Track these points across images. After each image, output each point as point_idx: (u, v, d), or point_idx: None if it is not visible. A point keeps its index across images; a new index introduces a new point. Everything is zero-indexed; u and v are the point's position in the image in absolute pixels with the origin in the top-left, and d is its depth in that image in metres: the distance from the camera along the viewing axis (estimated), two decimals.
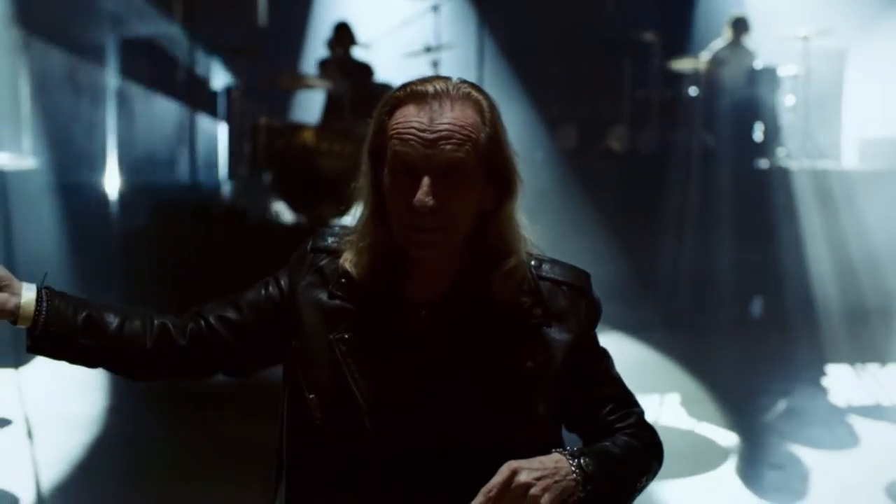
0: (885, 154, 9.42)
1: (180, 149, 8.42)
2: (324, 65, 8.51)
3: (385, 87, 8.22)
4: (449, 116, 1.64)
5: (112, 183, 8.88)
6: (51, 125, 8.92)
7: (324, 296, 1.80)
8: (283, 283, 1.87)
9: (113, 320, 1.81)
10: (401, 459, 1.69)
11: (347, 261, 1.78)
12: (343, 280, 1.79)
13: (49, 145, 8.83)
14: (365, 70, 8.58)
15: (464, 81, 1.70)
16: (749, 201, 8.59)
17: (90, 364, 1.82)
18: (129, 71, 9.45)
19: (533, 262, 1.79)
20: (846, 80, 10.41)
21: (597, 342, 1.84)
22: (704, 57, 9.51)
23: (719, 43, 9.63)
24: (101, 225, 8.35)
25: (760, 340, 7.28)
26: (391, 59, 8.73)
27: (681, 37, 10.02)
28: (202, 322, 1.86)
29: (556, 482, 1.61)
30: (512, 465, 1.59)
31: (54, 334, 1.74)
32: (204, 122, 8.60)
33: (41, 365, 6.87)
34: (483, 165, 1.67)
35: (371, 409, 1.70)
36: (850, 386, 7.09)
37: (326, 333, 1.77)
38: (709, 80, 9.42)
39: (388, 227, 1.72)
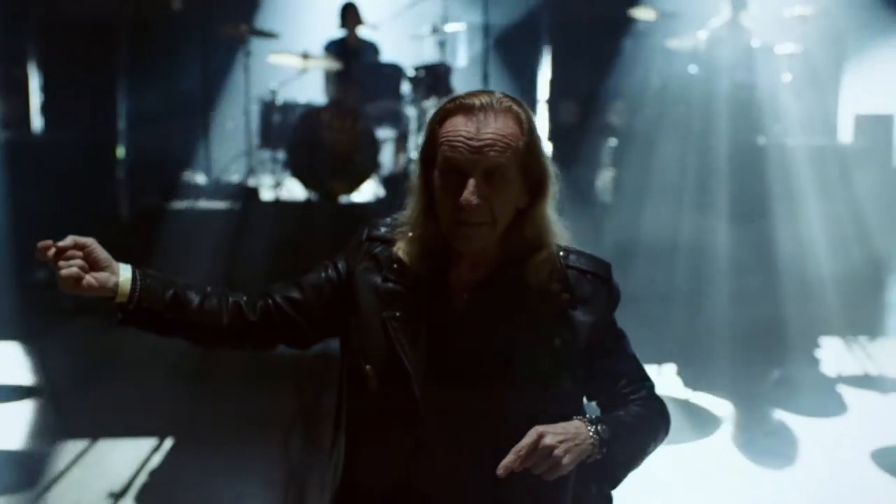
0: (877, 130, 9.58)
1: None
2: (332, 45, 8.67)
3: (392, 67, 8.39)
4: (493, 127, 1.89)
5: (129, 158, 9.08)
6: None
7: (378, 279, 2.05)
8: (340, 266, 2.12)
9: (194, 298, 2.05)
10: (445, 422, 1.95)
11: (400, 249, 2.03)
12: (395, 265, 2.03)
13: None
14: (372, 50, 8.75)
15: (505, 95, 1.95)
16: (746, 176, 8.74)
17: (172, 335, 2.06)
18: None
19: (561, 253, 2.03)
20: (843, 58, 10.56)
21: (615, 323, 2.08)
22: (702, 35, 9.66)
23: (717, 21, 9.78)
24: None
25: (753, 312, 7.47)
26: (398, 40, 8.90)
27: (679, 14, 10.14)
28: (270, 301, 2.10)
29: (577, 445, 1.85)
30: (539, 429, 1.83)
31: (146, 310, 1.98)
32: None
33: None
34: (520, 169, 1.92)
35: (419, 378, 1.95)
36: (841, 357, 7.34)
37: (380, 312, 2.02)
38: (707, 58, 9.56)
39: (436, 221, 1.97)
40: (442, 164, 1.91)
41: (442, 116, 1.95)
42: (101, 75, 9.70)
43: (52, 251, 1.90)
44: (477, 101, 1.91)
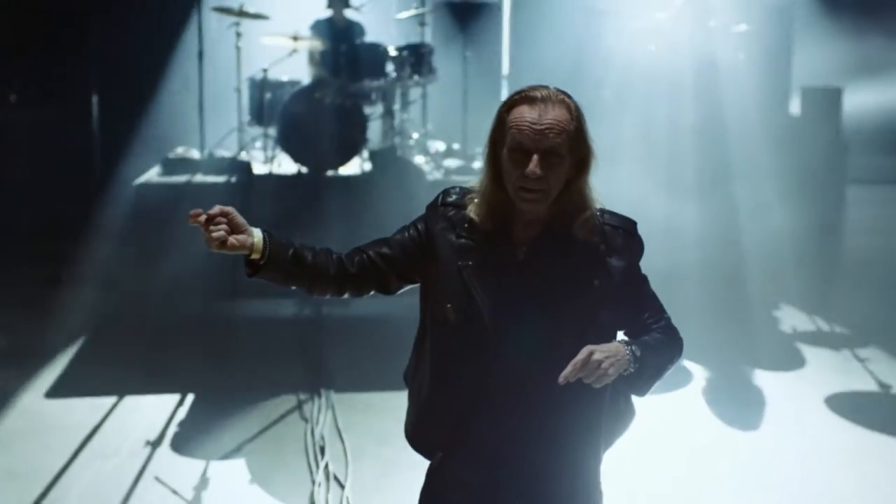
0: (824, 102, 10.10)
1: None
2: (318, 24, 9.04)
3: (377, 47, 8.79)
4: (551, 115, 2.37)
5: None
6: None
7: (452, 236, 2.52)
8: (420, 227, 2.59)
9: (308, 254, 2.51)
10: (510, 346, 2.43)
11: (471, 212, 2.50)
12: (467, 225, 2.51)
13: None
14: (358, 30, 9.14)
15: (558, 90, 2.44)
16: (705, 146, 9.20)
17: (289, 285, 2.52)
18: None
19: (598, 213, 2.53)
20: (792, 34, 11.09)
21: (640, 269, 2.59)
22: (662, 15, 10.12)
23: (676, 1, 10.24)
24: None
25: (719, 277, 8.00)
26: (381, 21, 9.31)
27: None
28: (365, 256, 2.57)
29: (618, 360, 2.35)
30: (589, 347, 2.32)
31: (274, 263, 2.44)
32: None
33: None
34: (570, 148, 2.39)
35: (489, 313, 2.44)
36: (796, 317, 7.97)
37: (456, 262, 2.49)
38: (667, 37, 10.03)
39: (502, 189, 2.44)
40: (510, 143, 2.39)
41: (509, 105, 2.43)
42: (74, 51, 10.02)
43: (202, 217, 2.34)
44: (538, 94, 2.40)
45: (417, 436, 2.60)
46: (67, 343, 6.95)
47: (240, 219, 2.39)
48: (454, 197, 2.58)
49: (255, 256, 2.42)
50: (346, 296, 2.59)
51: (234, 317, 7.35)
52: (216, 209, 2.37)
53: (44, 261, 8.61)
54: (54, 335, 7.07)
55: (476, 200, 2.52)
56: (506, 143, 2.41)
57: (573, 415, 2.48)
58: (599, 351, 2.32)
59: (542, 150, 2.36)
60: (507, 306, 2.46)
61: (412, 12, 8.98)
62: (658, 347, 2.50)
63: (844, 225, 9.23)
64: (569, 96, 2.43)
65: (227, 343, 6.97)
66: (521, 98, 2.41)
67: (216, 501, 4.60)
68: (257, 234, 2.42)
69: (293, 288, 2.55)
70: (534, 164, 2.35)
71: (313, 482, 4.77)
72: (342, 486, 4.71)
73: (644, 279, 2.58)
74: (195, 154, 8.62)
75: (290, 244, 2.49)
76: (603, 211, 2.54)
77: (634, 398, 2.64)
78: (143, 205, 7.89)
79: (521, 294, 2.46)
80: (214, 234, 2.34)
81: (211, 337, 7.02)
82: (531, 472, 2.51)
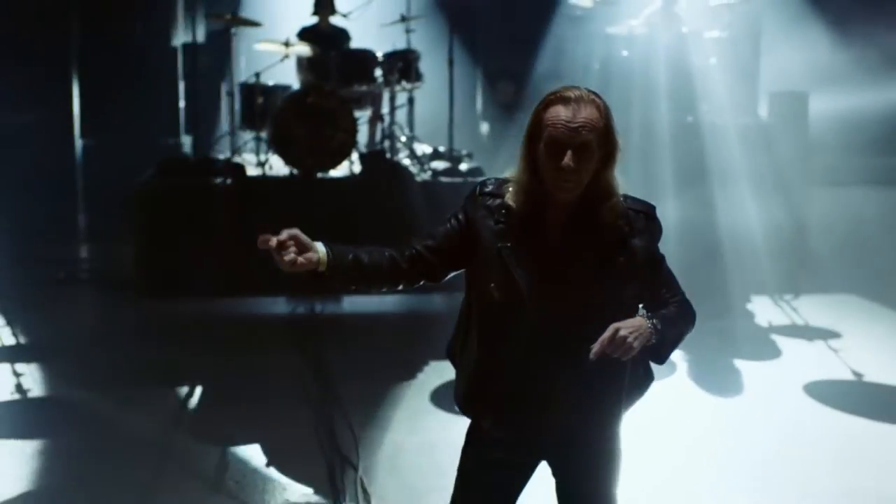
0: (791, 105, 10.46)
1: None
2: (305, 31, 9.29)
3: (363, 52, 9.06)
4: (584, 113, 2.64)
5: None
6: None
7: (491, 222, 2.79)
8: (461, 217, 2.85)
9: (364, 257, 2.76)
10: (546, 320, 2.70)
11: (508, 199, 2.77)
12: (504, 211, 2.77)
13: None
14: (343, 36, 9.40)
15: (589, 91, 2.72)
16: (680, 150, 9.54)
17: (349, 285, 2.78)
18: None
19: (622, 199, 2.80)
20: (760, 40, 11.46)
21: (659, 249, 2.87)
22: (636, 22, 10.45)
23: (650, 8, 10.57)
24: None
25: (695, 271, 8.29)
26: (370, 28, 9.57)
27: (615, 2, 10.90)
28: (414, 251, 2.82)
29: (641, 333, 2.63)
30: (615, 325, 2.60)
31: (336, 272, 2.68)
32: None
33: None
34: (599, 143, 2.67)
35: (527, 291, 2.70)
36: (770, 310, 8.31)
37: (496, 245, 2.75)
38: (641, 43, 10.36)
39: (537, 179, 2.71)
40: (547, 139, 2.66)
41: (545, 105, 2.70)
42: (56, 57, 10.17)
43: (273, 242, 2.55)
44: (572, 94, 2.67)
45: (469, 404, 2.88)
46: (68, 342, 7.13)
47: (304, 238, 2.61)
48: (490, 187, 2.85)
49: (321, 269, 2.66)
50: (399, 288, 2.85)
51: (235, 314, 7.58)
52: (284, 234, 2.58)
53: (44, 262, 8.78)
54: (56, 335, 7.27)
55: (512, 189, 2.80)
56: (542, 138, 2.68)
57: (600, 382, 2.76)
58: (624, 328, 2.60)
59: (576, 146, 2.63)
60: (543, 283, 2.72)
61: (398, 19, 9.25)
62: (675, 320, 2.79)
63: (810, 224, 9.60)
64: (598, 96, 2.71)
65: (230, 339, 7.19)
66: (556, 98, 2.69)
67: (238, 483, 4.83)
68: (321, 249, 2.65)
69: (353, 288, 2.80)
70: (568, 158, 2.63)
71: (327, 465, 5.03)
72: (355, 469, 4.96)
73: (662, 258, 2.87)
74: (189, 157, 8.84)
75: (348, 250, 2.72)
76: (625, 196, 2.82)
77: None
78: (140, 205, 8.09)
79: (555, 272, 2.73)
80: (287, 259, 2.56)
81: (213, 333, 7.24)
82: (563, 431, 2.81)
